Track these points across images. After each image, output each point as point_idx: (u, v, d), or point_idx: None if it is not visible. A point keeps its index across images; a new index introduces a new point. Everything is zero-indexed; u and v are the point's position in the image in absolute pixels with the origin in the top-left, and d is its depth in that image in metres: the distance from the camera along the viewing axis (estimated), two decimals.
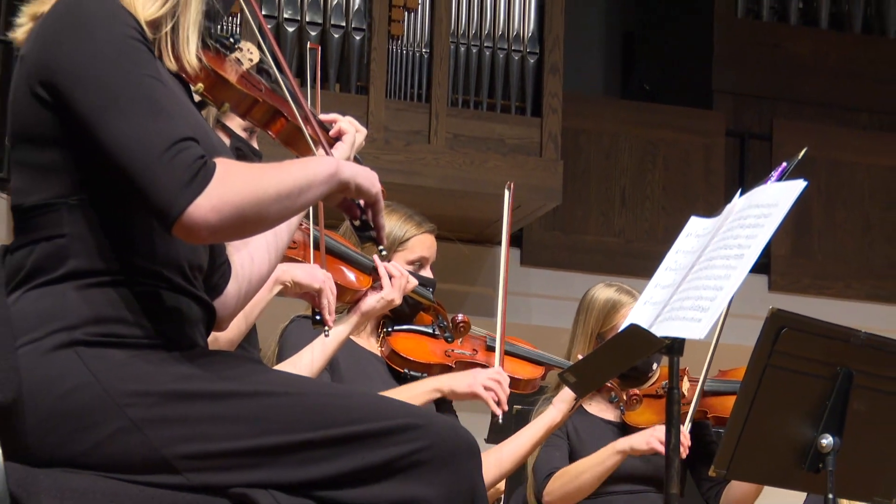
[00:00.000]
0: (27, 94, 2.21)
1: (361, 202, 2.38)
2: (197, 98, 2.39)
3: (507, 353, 3.90)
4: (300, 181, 2.21)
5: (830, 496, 3.19)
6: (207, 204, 2.10)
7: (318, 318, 3.32)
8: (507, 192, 4.04)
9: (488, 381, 3.69)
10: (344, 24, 7.77)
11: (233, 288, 2.47)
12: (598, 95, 9.95)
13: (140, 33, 2.21)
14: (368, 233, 2.40)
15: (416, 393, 3.68)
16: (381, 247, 2.44)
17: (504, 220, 4.03)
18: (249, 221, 2.17)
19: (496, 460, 4.04)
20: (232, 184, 2.13)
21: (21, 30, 2.30)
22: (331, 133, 2.68)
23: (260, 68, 2.55)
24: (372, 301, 3.57)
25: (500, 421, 3.75)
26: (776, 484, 3.41)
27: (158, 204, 2.10)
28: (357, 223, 2.40)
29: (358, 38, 7.77)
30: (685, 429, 4.21)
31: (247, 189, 2.14)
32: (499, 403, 3.68)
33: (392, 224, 3.82)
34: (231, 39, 2.45)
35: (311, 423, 2.17)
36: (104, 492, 2.13)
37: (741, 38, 9.52)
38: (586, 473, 4.26)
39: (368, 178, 2.32)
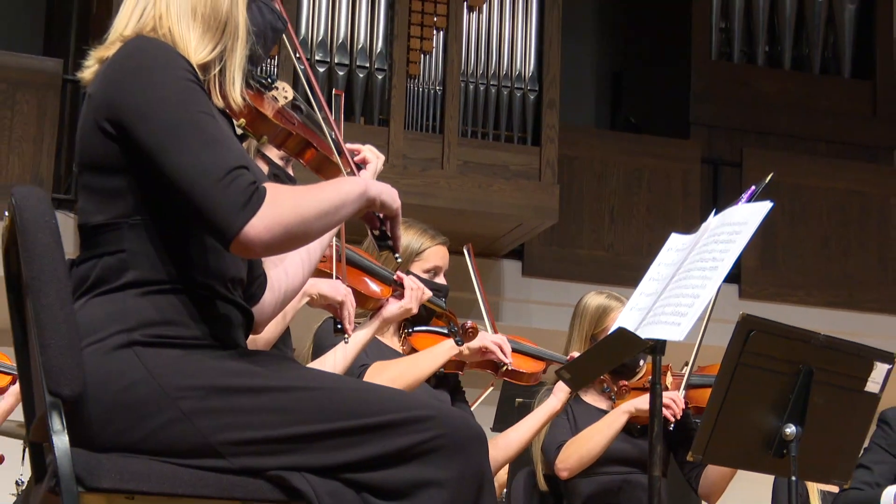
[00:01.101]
0: (94, 128, 2.22)
1: (381, 215, 2.38)
2: (239, 132, 2.39)
3: (513, 350, 3.92)
4: (336, 200, 2.22)
5: (794, 478, 3.18)
6: (261, 224, 2.11)
7: (339, 326, 3.32)
8: (466, 252, 4.09)
9: (496, 338, 3.84)
10: (368, 65, 7.78)
11: (269, 297, 2.47)
12: (590, 127, 9.94)
13: (193, 75, 2.22)
14: (386, 242, 2.40)
15: (437, 353, 3.72)
16: (396, 255, 2.44)
17: (472, 277, 4.08)
18: (296, 237, 2.18)
19: (503, 446, 4.05)
20: (281, 205, 2.13)
21: (88, 71, 2.30)
22: (355, 160, 2.68)
23: (294, 105, 2.55)
24: (392, 309, 3.57)
25: (508, 367, 3.90)
26: (746, 467, 3.40)
27: (218, 225, 2.11)
28: (377, 233, 2.40)
29: (380, 77, 7.78)
30: (679, 394, 4.20)
31: (294, 210, 2.15)
32: (505, 355, 3.84)
33: (409, 237, 3.84)
34: (269, 79, 2.45)
35: (338, 413, 2.17)
36: (158, 474, 2.13)
37: (715, 78, 9.52)
38: (597, 436, 4.20)
39: (391, 195, 2.33)
